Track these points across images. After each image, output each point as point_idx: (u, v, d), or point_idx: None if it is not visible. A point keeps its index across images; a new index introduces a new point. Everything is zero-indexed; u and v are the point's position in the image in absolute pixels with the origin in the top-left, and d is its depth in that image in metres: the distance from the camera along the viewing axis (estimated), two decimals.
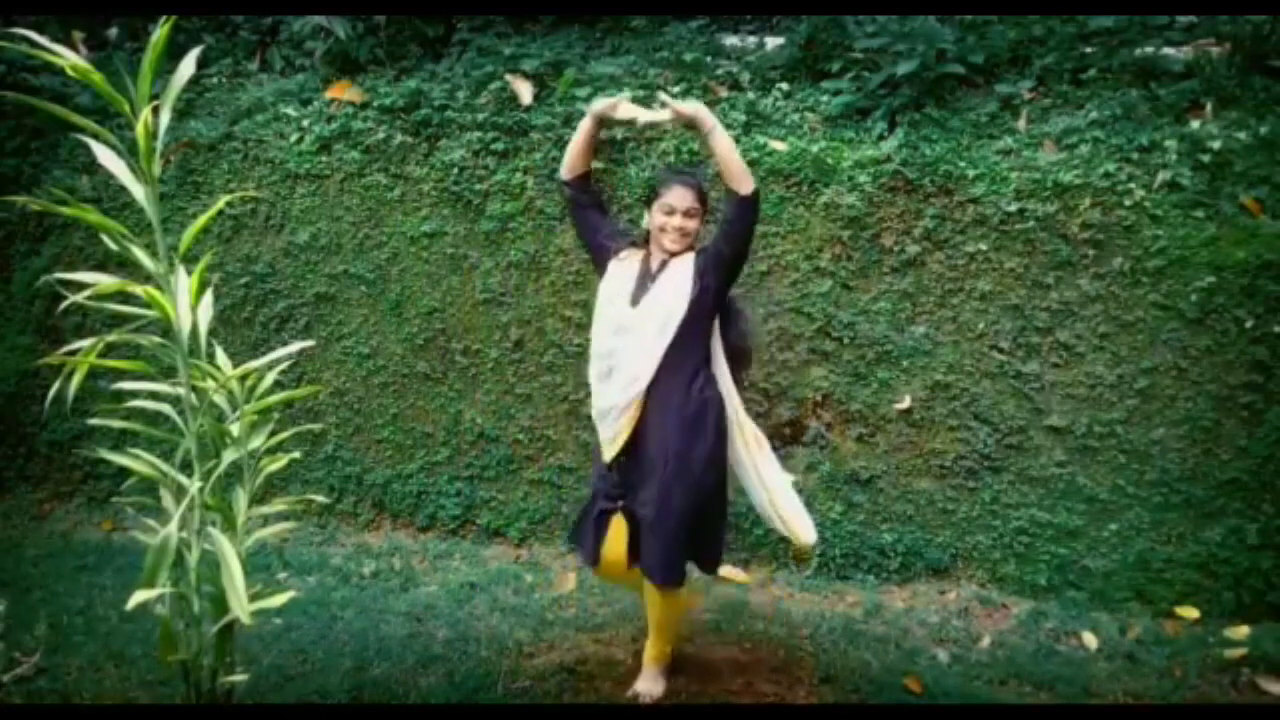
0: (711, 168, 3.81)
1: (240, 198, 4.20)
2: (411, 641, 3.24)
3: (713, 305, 2.70)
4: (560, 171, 2.85)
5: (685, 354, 2.67)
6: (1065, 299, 3.55)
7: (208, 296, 2.43)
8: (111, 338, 2.25)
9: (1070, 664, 3.18)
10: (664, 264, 2.72)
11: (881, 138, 3.75)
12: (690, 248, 2.74)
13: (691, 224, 2.67)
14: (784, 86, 3.98)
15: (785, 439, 3.90)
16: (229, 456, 2.37)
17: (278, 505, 2.56)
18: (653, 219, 2.71)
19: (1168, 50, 3.78)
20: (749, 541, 3.91)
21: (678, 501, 2.66)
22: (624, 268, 2.77)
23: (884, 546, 3.79)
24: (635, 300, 2.70)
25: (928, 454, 3.75)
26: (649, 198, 2.75)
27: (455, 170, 4.04)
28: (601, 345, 2.73)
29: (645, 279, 2.72)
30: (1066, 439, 3.60)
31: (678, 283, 2.67)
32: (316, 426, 4.09)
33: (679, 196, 2.65)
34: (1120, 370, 3.52)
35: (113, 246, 2.30)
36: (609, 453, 2.73)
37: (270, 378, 2.50)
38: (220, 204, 2.44)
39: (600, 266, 2.84)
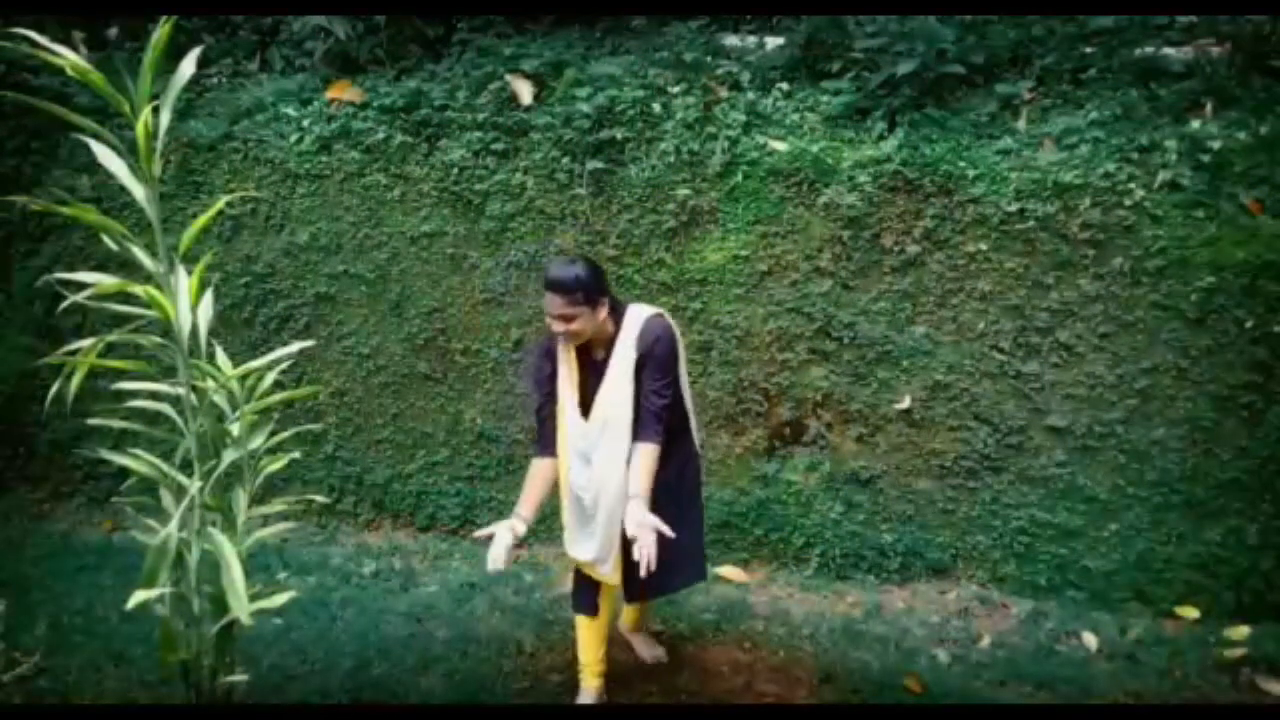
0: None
1: (240, 198, 4.20)
2: (411, 641, 3.24)
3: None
4: None
5: None
6: (1065, 299, 3.54)
7: (208, 296, 2.43)
8: (111, 338, 2.25)
9: (1070, 664, 3.18)
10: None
11: (881, 138, 3.75)
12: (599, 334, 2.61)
13: (573, 325, 2.50)
14: (784, 86, 3.97)
15: (785, 439, 3.90)
16: (229, 456, 2.37)
17: (278, 505, 2.56)
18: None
19: (1168, 50, 3.78)
20: (749, 541, 3.91)
21: None
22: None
23: (884, 546, 3.79)
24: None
25: (928, 454, 3.75)
26: None
27: (455, 170, 4.04)
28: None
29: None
30: (1066, 439, 3.60)
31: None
32: (316, 426, 4.09)
33: (548, 302, 2.50)
34: (1120, 370, 3.52)
35: (113, 246, 2.30)
36: None
37: (270, 378, 2.51)
38: (220, 204, 2.44)
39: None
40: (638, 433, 2.56)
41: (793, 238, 3.79)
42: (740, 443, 3.92)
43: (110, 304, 2.35)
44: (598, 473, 2.60)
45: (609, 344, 2.61)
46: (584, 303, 2.48)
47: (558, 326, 2.50)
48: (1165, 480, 3.51)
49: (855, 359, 3.77)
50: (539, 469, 2.69)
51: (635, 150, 3.91)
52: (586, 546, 2.66)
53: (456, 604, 3.55)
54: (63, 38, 3.94)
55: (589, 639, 2.82)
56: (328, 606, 3.51)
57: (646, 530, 2.38)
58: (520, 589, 3.69)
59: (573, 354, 2.65)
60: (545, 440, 2.70)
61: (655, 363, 2.56)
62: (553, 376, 2.67)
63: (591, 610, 2.77)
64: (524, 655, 3.16)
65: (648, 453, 2.53)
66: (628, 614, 3.17)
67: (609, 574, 2.68)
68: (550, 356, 2.68)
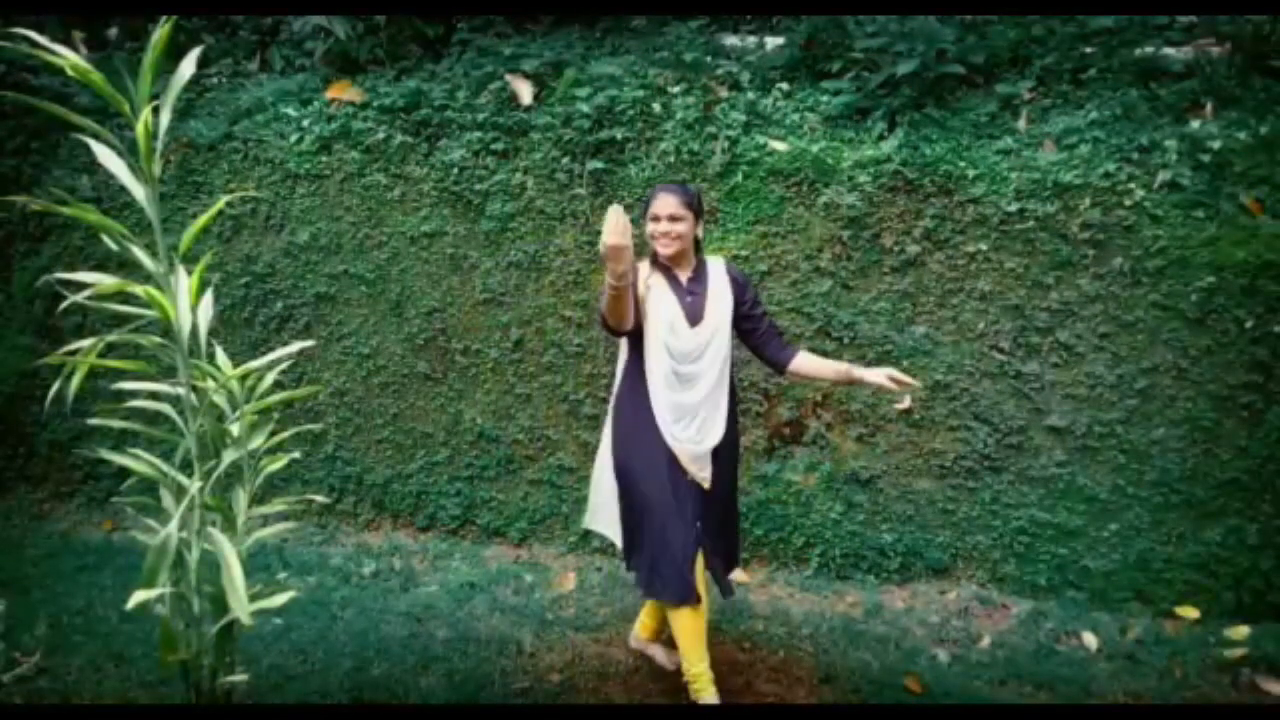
0: (707, 172, 3.82)
1: (240, 198, 4.20)
2: (411, 641, 3.24)
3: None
4: (612, 325, 2.60)
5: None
6: (1065, 299, 3.54)
7: (208, 296, 2.43)
8: (111, 338, 2.25)
9: (1070, 664, 3.18)
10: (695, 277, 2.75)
11: (881, 138, 3.75)
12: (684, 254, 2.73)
13: (678, 227, 2.64)
14: (784, 86, 3.98)
15: (785, 439, 3.90)
16: (229, 456, 2.37)
17: (278, 505, 2.56)
18: (646, 231, 2.72)
19: (1168, 50, 3.78)
20: (749, 541, 3.91)
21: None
22: (659, 292, 2.72)
23: (884, 546, 3.79)
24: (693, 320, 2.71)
25: (928, 454, 3.75)
26: (644, 212, 2.72)
27: (455, 170, 4.04)
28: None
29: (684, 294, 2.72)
30: (1066, 439, 3.60)
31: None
32: (316, 426, 4.09)
33: (661, 203, 2.64)
34: (1120, 370, 3.52)
35: (113, 246, 2.30)
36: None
37: (270, 378, 2.51)
38: (220, 204, 2.44)
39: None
40: (783, 351, 2.83)
41: (793, 238, 3.79)
42: (740, 443, 3.92)
43: (110, 304, 2.35)
44: (704, 367, 2.71)
45: (694, 270, 2.76)
46: (691, 210, 2.66)
47: (664, 228, 2.64)
48: (1165, 480, 3.51)
49: (855, 359, 3.77)
50: None
51: (635, 150, 3.91)
52: (690, 425, 2.71)
53: (456, 604, 3.55)
54: (63, 38, 3.95)
55: (697, 639, 2.71)
56: (328, 606, 3.51)
57: (890, 374, 2.64)
58: (520, 589, 3.69)
59: (661, 276, 2.73)
60: None
61: (753, 294, 2.83)
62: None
63: (696, 598, 2.66)
64: (524, 655, 3.16)
65: (810, 354, 2.85)
66: (645, 625, 3.15)
67: (706, 475, 2.72)
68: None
